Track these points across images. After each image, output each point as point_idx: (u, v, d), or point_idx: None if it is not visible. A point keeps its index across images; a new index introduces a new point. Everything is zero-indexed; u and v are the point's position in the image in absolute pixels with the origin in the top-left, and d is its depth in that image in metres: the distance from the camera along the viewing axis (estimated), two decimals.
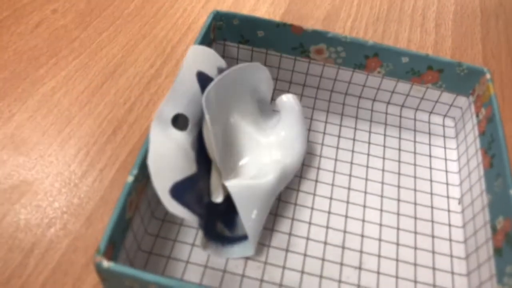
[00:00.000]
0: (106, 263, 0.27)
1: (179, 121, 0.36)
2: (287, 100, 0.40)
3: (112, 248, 0.29)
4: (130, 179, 0.31)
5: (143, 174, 0.33)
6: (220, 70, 0.40)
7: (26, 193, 0.39)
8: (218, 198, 0.36)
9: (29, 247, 0.36)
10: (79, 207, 0.38)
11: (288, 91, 0.48)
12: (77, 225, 0.37)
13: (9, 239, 0.36)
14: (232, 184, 0.34)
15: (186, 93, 0.35)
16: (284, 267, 0.36)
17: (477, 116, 0.42)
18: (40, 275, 0.34)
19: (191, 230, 0.37)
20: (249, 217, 0.34)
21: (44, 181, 0.40)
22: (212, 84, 0.36)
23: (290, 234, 0.37)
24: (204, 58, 0.38)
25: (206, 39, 0.43)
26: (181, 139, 0.34)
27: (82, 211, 0.38)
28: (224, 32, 0.45)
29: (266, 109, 0.42)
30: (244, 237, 0.36)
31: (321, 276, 0.35)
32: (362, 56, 0.44)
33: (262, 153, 0.39)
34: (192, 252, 0.36)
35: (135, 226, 0.33)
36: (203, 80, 0.37)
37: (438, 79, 0.44)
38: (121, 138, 0.43)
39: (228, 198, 0.37)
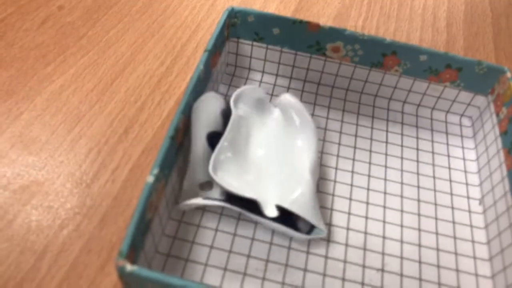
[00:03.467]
0: (129, 267, 0.26)
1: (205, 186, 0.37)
2: (287, 98, 0.40)
3: (134, 251, 0.28)
4: (151, 179, 0.30)
5: (162, 174, 0.32)
6: (223, 112, 0.39)
7: (37, 193, 0.37)
8: (272, 213, 0.35)
9: (41, 250, 0.34)
10: (92, 208, 0.37)
11: (302, 90, 0.47)
12: (90, 227, 0.36)
13: (21, 241, 0.35)
14: (298, 207, 0.34)
15: (203, 161, 0.36)
16: (305, 270, 0.35)
17: (498, 115, 0.41)
18: (54, 278, 0.33)
19: (209, 231, 0.36)
20: (315, 218, 0.34)
21: (55, 182, 0.38)
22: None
23: (307, 253, 0.36)
24: (208, 111, 0.38)
25: (221, 37, 0.42)
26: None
27: (95, 212, 0.37)
28: (238, 29, 0.44)
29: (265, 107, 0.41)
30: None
31: (343, 279, 0.34)
32: (379, 54, 0.43)
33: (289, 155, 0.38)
34: (210, 254, 0.34)
35: (154, 227, 0.32)
36: (213, 138, 0.37)
37: (456, 78, 0.43)
38: (133, 138, 0.42)
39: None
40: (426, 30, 0.58)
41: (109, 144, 0.42)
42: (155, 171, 0.30)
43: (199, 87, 0.38)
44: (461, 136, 0.45)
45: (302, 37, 0.43)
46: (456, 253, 0.37)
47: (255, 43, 0.45)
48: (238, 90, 0.40)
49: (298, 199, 0.35)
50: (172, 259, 0.34)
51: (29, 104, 0.44)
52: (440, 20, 0.60)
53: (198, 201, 0.33)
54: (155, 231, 0.32)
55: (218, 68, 0.43)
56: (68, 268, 0.34)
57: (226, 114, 0.39)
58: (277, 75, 0.47)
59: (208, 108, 0.38)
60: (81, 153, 0.41)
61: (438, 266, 0.36)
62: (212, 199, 0.34)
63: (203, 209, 0.37)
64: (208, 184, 0.37)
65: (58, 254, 0.34)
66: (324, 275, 0.34)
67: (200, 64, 0.37)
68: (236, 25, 0.44)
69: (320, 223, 0.35)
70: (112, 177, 0.39)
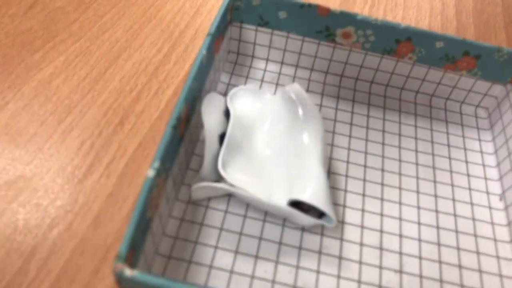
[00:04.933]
0: (129, 272, 0.23)
1: None
2: (291, 89, 0.37)
3: (133, 253, 0.25)
4: (151, 173, 0.27)
5: (163, 167, 0.29)
6: (225, 112, 0.38)
7: (24, 190, 0.34)
8: (282, 201, 0.32)
9: (29, 251, 0.31)
10: (85, 205, 0.34)
11: (309, 79, 0.44)
12: (83, 226, 0.33)
13: (6, 242, 0.31)
14: (308, 196, 0.32)
15: (215, 160, 0.34)
16: (318, 272, 0.32)
17: None
18: (43, 282, 0.30)
19: (213, 230, 0.33)
20: (329, 207, 0.32)
21: (44, 177, 0.35)
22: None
23: (322, 235, 0.34)
24: (216, 114, 0.36)
25: (223, 21, 0.39)
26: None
27: (89, 210, 0.34)
28: (242, 13, 0.41)
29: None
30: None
31: (359, 281, 0.32)
32: (393, 40, 0.40)
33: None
34: (215, 255, 0.32)
35: (154, 227, 0.29)
36: (223, 139, 0.35)
37: (474, 66, 0.41)
38: (128, 129, 0.39)
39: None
40: (435, 18, 0.56)
41: (103, 136, 0.38)
42: (156, 164, 0.27)
43: (201, 73, 0.35)
44: (477, 128, 0.43)
45: (310, 22, 0.40)
46: (478, 252, 0.34)
47: (259, 28, 0.42)
48: (232, 91, 0.38)
49: (313, 192, 0.32)
50: (173, 261, 0.31)
51: (16, 93, 0.40)
52: (449, 7, 0.58)
53: (210, 184, 0.32)
54: (155, 230, 0.29)
55: (220, 55, 0.40)
56: (59, 272, 0.31)
57: (228, 114, 0.37)
58: (282, 63, 0.44)
59: (215, 110, 0.36)
60: (72, 146, 0.37)
61: (460, 267, 0.33)
62: (223, 184, 0.32)
63: (206, 206, 0.34)
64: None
65: (47, 256, 0.31)
66: (339, 277, 0.32)
67: (202, 48, 0.34)
68: (240, 9, 0.41)
69: (333, 215, 0.32)
70: (107, 172, 0.36)
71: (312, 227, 0.34)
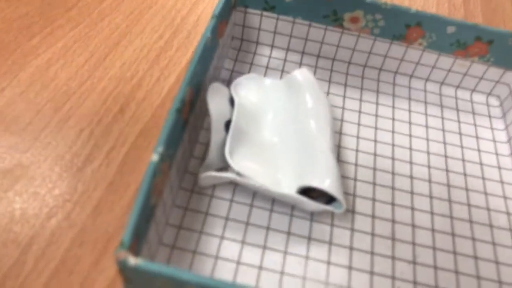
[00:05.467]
0: (133, 260, 0.21)
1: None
2: (297, 76, 0.36)
3: (137, 241, 0.24)
4: (156, 157, 0.25)
5: (167, 153, 0.27)
6: (231, 100, 0.36)
7: (21, 178, 0.33)
8: (290, 190, 0.31)
9: (26, 242, 0.30)
10: (84, 194, 0.33)
11: (316, 66, 0.42)
12: (82, 215, 0.32)
13: (3, 232, 0.30)
14: (327, 185, 0.30)
15: (222, 147, 0.33)
16: (328, 263, 0.31)
17: None
18: (41, 274, 0.29)
19: (218, 220, 0.31)
20: (339, 191, 0.31)
21: (42, 165, 0.34)
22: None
23: (332, 225, 0.32)
24: (222, 101, 0.35)
25: (227, 6, 0.37)
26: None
27: (88, 199, 0.32)
28: None
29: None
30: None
31: (371, 272, 0.30)
32: (402, 25, 0.39)
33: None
34: (221, 245, 0.30)
35: (158, 215, 0.28)
36: (229, 126, 0.34)
37: (487, 52, 0.39)
38: (129, 117, 0.38)
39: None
40: (442, 5, 0.54)
41: (103, 124, 0.37)
42: (160, 148, 0.26)
43: (206, 57, 0.33)
44: (489, 116, 0.41)
45: (317, 6, 0.39)
46: (493, 243, 0.33)
47: (264, 13, 0.41)
48: (236, 80, 0.37)
49: (324, 177, 0.31)
50: (177, 252, 0.30)
51: (12, 79, 0.39)
52: None
53: (217, 174, 0.30)
54: (159, 219, 0.28)
55: (224, 41, 0.39)
56: (58, 263, 0.29)
57: (233, 103, 0.36)
58: (287, 49, 0.43)
59: (220, 98, 0.35)
60: (71, 134, 0.36)
61: (475, 258, 0.32)
62: (231, 174, 0.30)
63: (210, 195, 0.33)
64: (224, 170, 0.33)
65: (45, 246, 0.30)
66: (350, 268, 0.30)
67: (207, 31, 0.33)
68: None
69: (344, 201, 0.31)
70: (107, 161, 0.35)
71: (321, 217, 0.33)
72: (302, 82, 0.35)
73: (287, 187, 0.31)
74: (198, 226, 0.31)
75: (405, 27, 0.39)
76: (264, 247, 0.31)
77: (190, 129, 0.32)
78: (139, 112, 0.38)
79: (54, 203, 0.32)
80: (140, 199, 0.23)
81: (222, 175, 0.31)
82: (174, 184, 0.31)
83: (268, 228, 0.32)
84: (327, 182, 0.30)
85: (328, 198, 0.32)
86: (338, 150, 0.37)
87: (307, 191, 0.32)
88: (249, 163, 0.32)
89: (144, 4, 0.47)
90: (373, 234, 0.32)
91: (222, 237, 0.31)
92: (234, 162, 0.31)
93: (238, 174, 0.31)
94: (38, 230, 0.30)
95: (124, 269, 0.22)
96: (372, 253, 0.31)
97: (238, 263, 0.30)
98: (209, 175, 0.31)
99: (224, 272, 0.29)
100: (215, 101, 0.34)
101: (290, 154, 0.33)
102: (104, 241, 0.30)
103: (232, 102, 0.36)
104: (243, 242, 0.31)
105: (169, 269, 0.21)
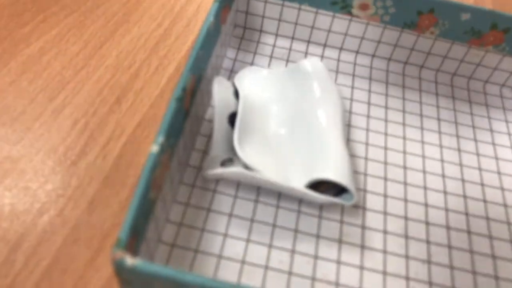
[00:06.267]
0: (130, 260, 0.20)
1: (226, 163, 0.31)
2: (306, 65, 0.34)
3: (135, 239, 0.22)
4: (155, 148, 0.23)
5: (168, 143, 0.25)
6: (235, 93, 0.34)
7: (11, 172, 0.31)
8: (296, 185, 0.29)
9: (16, 239, 0.28)
10: (79, 189, 0.31)
11: (322, 56, 0.41)
12: (77, 211, 0.30)
13: None
14: (337, 176, 0.29)
15: (226, 139, 0.32)
16: (339, 262, 0.29)
17: None
18: (32, 273, 0.27)
19: (222, 216, 0.30)
20: (351, 183, 0.29)
21: (33, 158, 0.32)
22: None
23: (341, 222, 0.31)
24: (227, 93, 0.33)
25: None
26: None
27: (83, 194, 0.31)
28: None
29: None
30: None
31: (384, 273, 0.29)
32: (414, 12, 0.37)
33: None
34: (225, 244, 0.28)
35: (157, 211, 0.26)
36: (233, 118, 0.33)
37: (502, 40, 0.37)
38: (126, 108, 0.36)
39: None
40: None
41: (99, 114, 0.35)
42: (160, 138, 0.24)
43: (208, 43, 0.31)
44: (503, 108, 0.40)
45: None
46: (511, 241, 0.31)
47: (269, 0, 0.39)
48: (239, 72, 0.35)
49: (336, 169, 0.29)
50: (178, 250, 0.28)
51: (2, 68, 0.37)
52: None
53: (225, 170, 0.29)
54: (158, 215, 0.26)
55: (226, 28, 0.37)
56: (50, 261, 0.27)
57: (237, 96, 0.34)
58: (293, 38, 0.41)
59: (224, 90, 0.33)
60: (65, 125, 0.34)
61: (493, 256, 0.30)
62: (237, 168, 0.29)
63: (213, 190, 0.31)
64: (229, 161, 0.31)
65: (37, 244, 0.28)
66: (362, 268, 0.29)
67: (209, 15, 0.31)
68: None
69: (355, 193, 0.29)
70: (103, 153, 0.33)
71: (330, 214, 0.31)
72: (309, 71, 0.33)
73: (297, 180, 0.30)
74: (200, 223, 0.29)
75: (417, 14, 0.37)
76: (270, 246, 0.29)
77: (191, 120, 0.31)
78: (136, 103, 0.36)
79: (46, 199, 0.30)
80: (138, 193, 0.21)
81: (230, 171, 0.29)
82: (175, 178, 0.29)
83: (274, 225, 0.30)
84: (337, 173, 0.28)
85: (336, 191, 0.30)
86: (347, 144, 0.35)
87: (316, 184, 0.30)
88: (257, 155, 0.30)
89: None
90: (385, 232, 0.31)
91: (225, 235, 0.29)
92: (244, 153, 0.29)
93: (245, 166, 0.29)
94: (29, 227, 0.28)
95: (120, 270, 0.20)
96: (385, 252, 0.30)
97: (243, 262, 0.28)
98: (216, 173, 0.29)
99: (228, 272, 0.27)
100: (220, 92, 0.32)
101: (298, 145, 0.31)
102: (99, 238, 0.29)
103: (236, 95, 0.34)
104: (248, 240, 0.29)
105: (169, 270, 0.19)
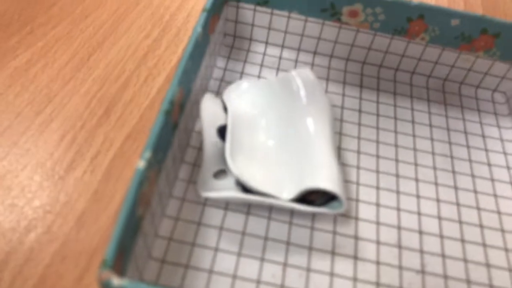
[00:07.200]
0: (117, 281, 0.19)
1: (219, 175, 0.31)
2: (295, 75, 0.34)
3: (122, 258, 0.21)
4: (142, 164, 0.23)
5: (155, 158, 0.25)
6: (225, 108, 0.34)
7: None
8: (287, 195, 0.29)
9: (2, 258, 0.27)
10: (67, 205, 0.30)
11: (312, 63, 0.40)
12: (65, 228, 0.29)
13: None
14: (327, 184, 0.28)
15: (216, 152, 0.31)
16: (331, 274, 0.28)
17: None
18: None
19: (212, 230, 0.29)
20: (341, 191, 0.29)
21: (20, 174, 0.31)
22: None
23: (334, 233, 0.30)
24: (215, 108, 0.33)
25: (218, 1, 0.35)
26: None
27: (71, 210, 0.30)
28: None
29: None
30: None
31: (377, 284, 0.28)
32: (404, 18, 0.37)
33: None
34: (215, 258, 0.28)
35: (145, 227, 0.25)
36: (223, 131, 0.32)
37: (493, 45, 0.37)
38: (115, 120, 0.35)
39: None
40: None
41: (87, 128, 0.35)
42: (147, 154, 0.23)
43: (197, 54, 0.31)
44: (495, 113, 0.39)
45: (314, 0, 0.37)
46: (506, 249, 0.31)
47: (258, 8, 0.38)
48: (228, 88, 0.35)
49: (326, 178, 0.28)
50: (168, 266, 0.27)
51: None
52: None
53: (221, 194, 0.28)
54: (147, 231, 0.26)
55: (216, 37, 0.37)
56: (37, 281, 0.27)
57: (226, 110, 0.34)
58: (283, 46, 0.40)
59: (211, 106, 0.33)
60: (52, 139, 0.34)
61: (488, 265, 0.30)
62: (235, 192, 0.28)
63: (203, 203, 0.30)
64: (222, 172, 0.31)
65: (24, 263, 0.27)
66: (355, 279, 0.28)
67: (197, 25, 0.30)
68: None
69: (345, 201, 0.29)
70: (91, 167, 0.32)
71: (322, 224, 0.30)
72: (297, 80, 0.33)
73: (288, 191, 0.29)
74: (190, 237, 0.29)
75: (406, 21, 0.37)
76: (262, 259, 0.28)
77: (180, 133, 0.30)
78: (125, 115, 0.36)
79: (33, 215, 0.29)
80: (124, 212, 0.21)
81: (225, 195, 0.28)
82: (164, 192, 0.28)
83: (266, 238, 0.29)
84: (326, 181, 0.28)
85: (327, 198, 0.30)
86: (338, 152, 0.35)
87: (306, 192, 0.30)
88: (248, 168, 0.29)
89: (130, 0, 0.45)
90: (378, 242, 0.30)
91: (216, 249, 0.28)
92: (235, 166, 0.29)
93: (237, 181, 0.29)
94: (16, 245, 0.28)
95: None
96: (378, 263, 0.29)
97: (234, 277, 0.27)
98: (211, 196, 0.28)
99: (219, 287, 0.27)
100: (208, 108, 0.32)
101: (287, 156, 0.31)
102: (88, 255, 0.28)
103: (226, 110, 0.34)
104: (239, 254, 0.28)
105: None
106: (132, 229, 0.23)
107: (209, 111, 0.31)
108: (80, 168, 0.32)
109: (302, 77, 0.33)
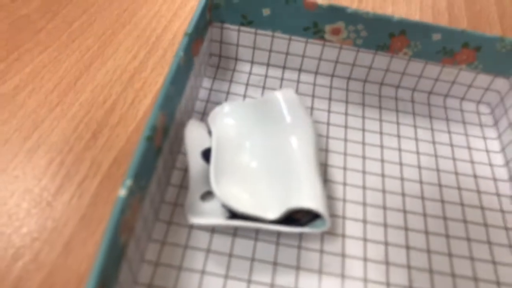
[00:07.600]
0: None
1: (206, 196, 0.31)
2: (276, 95, 0.34)
3: (105, 287, 0.21)
4: (123, 192, 0.23)
5: (138, 185, 0.25)
6: (210, 132, 0.35)
7: None
8: (272, 215, 0.29)
9: None
10: (55, 231, 0.30)
11: (298, 81, 0.41)
12: (52, 255, 0.29)
13: None
14: (309, 203, 0.28)
15: (202, 174, 0.31)
16: None
17: None
18: None
19: (199, 253, 0.29)
20: (325, 209, 0.29)
21: (8, 201, 0.31)
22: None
23: (321, 252, 0.30)
24: (200, 132, 0.33)
25: (202, 20, 0.36)
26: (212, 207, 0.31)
27: (59, 236, 0.30)
28: (223, 12, 0.38)
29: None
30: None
31: None
32: (386, 34, 0.37)
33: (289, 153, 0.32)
34: (202, 281, 0.28)
35: (130, 253, 0.25)
36: (208, 154, 0.33)
37: (474, 59, 0.38)
38: (102, 144, 0.36)
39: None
40: (426, 12, 0.53)
41: (74, 152, 0.35)
42: (129, 182, 0.24)
43: (179, 78, 0.31)
44: (480, 125, 0.40)
45: (297, 18, 0.37)
46: (493, 262, 0.31)
47: (242, 28, 0.39)
48: (212, 112, 0.35)
49: (308, 197, 0.29)
50: None
51: None
52: (440, 0, 0.55)
53: (209, 221, 0.28)
54: (132, 257, 0.26)
55: (200, 58, 0.37)
56: None
57: (211, 134, 0.34)
58: (268, 65, 0.41)
59: (195, 131, 0.33)
60: (40, 165, 0.34)
61: (475, 279, 0.30)
62: (221, 220, 0.29)
63: (190, 226, 0.31)
64: (209, 194, 0.31)
65: None
66: None
67: (179, 50, 0.31)
68: (220, 7, 0.37)
69: (329, 219, 0.29)
70: (79, 192, 0.32)
71: (309, 243, 0.30)
72: (280, 100, 0.33)
73: (272, 211, 0.29)
74: (177, 260, 0.29)
75: (388, 37, 0.37)
76: (249, 281, 0.28)
77: (164, 156, 0.30)
78: (112, 138, 0.36)
79: (21, 243, 0.29)
80: (106, 241, 0.21)
81: (211, 223, 0.28)
82: (149, 217, 0.28)
83: (253, 259, 0.29)
84: (309, 200, 0.28)
85: (313, 215, 0.30)
86: (324, 169, 0.35)
87: (292, 211, 0.30)
88: (233, 191, 0.30)
89: (117, 23, 0.45)
90: (365, 259, 0.30)
91: (203, 272, 0.28)
92: (219, 190, 0.29)
93: (223, 203, 0.29)
94: (3, 274, 0.28)
95: None
96: (365, 280, 0.29)
97: None
98: (200, 223, 0.29)
99: None
100: (192, 132, 0.32)
101: (270, 177, 0.31)
102: (75, 282, 0.28)
103: (210, 133, 0.34)
104: (226, 276, 0.28)
105: None
106: (115, 257, 0.23)
107: (194, 136, 0.32)
108: (67, 193, 0.32)
109: (285, 97, 0.33)
